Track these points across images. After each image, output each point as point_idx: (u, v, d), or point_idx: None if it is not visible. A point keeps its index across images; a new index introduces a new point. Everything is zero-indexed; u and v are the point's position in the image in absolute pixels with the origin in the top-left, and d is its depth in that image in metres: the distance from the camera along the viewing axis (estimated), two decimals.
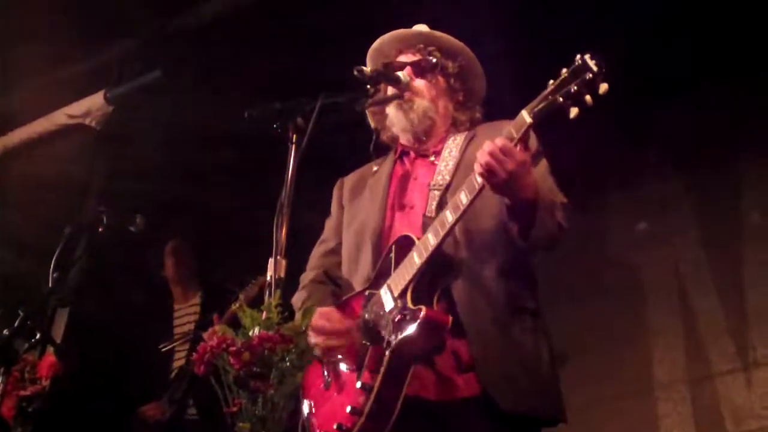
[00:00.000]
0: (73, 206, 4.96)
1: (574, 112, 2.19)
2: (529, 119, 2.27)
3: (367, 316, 2.53)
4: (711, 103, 4.39)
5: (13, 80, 5.14)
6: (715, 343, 4.24)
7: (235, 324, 2.16)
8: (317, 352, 2.51)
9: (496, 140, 2.29)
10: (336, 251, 2.88)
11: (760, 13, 3.99)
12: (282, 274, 2.26)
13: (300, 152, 2.43)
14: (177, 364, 4.87)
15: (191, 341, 4.80)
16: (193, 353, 4.85)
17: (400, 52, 2.86)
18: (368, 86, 2.64)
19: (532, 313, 2.56)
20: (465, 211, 2.37)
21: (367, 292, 2.59)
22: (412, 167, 2.81)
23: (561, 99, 2.21)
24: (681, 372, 4.30)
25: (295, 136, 2.45)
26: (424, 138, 2.79)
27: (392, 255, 2.55)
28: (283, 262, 2.28)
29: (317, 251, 2.97)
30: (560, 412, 2.52)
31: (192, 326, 4.96)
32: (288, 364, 2.08)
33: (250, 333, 2.10)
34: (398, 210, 2.72)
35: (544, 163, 2.65)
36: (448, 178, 2.61)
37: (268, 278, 2.27)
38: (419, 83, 2.78)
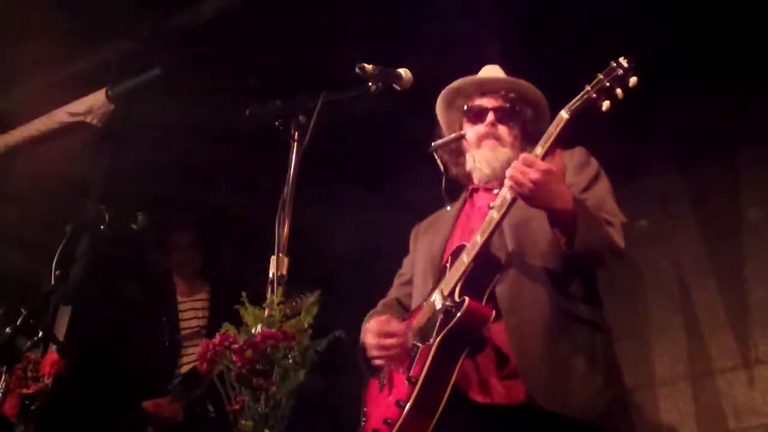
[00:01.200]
0: (75, 204, 4.96)
1: (606, 105, 2.38)
2: (566, 116, 2.43)
3: (420, 319, 2.64)
4: (712, 99, 4.38)
5: (15, 78, 5.13)
6: (716, 339, 4.24)
7: None
8: (371, 352, 2.66)
9: (521, 155, 2.43)
10: (410, 282, 3.02)
11: (761, 8, 3.98)
12: (284, 272, 2.27)
13: (302, 149, 2.44)
14: (186, 360, 4.85)
15: (205, 338, 4.76)
16: None
17: (482, 95, 2.91)
18: (370, 84, 2.64)
19: (591, 323, 2.57)
20: (509, 208, 2.45)
21: (423, 303, 2.70)
22: (479, 200, 2.90)
23: (594, 95, 2.40)
24: (682, 368, 4.30)
25: (296, 133, 2.46)
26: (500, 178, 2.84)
27: (448, 265, 2.65)
28: (285, 260, 2.28)
29: (395, 282, 3.14)
30: (624, 425, 2.54)
31: (201, 321, 4.94)
32: (290, 361, 2.09)
33: (253, 330, 2.10)
34: (460, 236, 2.80)
35: (603, 183, 2.76)
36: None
37: (270, 275, 2.27)
38: (502, 129, 2.85)
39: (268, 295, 2.20)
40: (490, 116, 2.84)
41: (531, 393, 2.39)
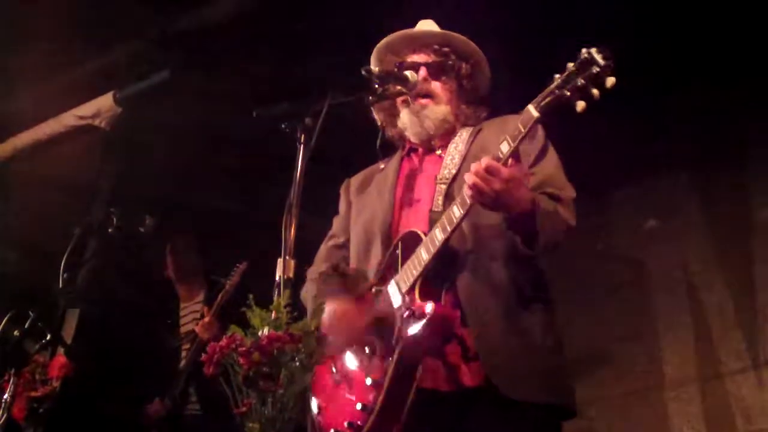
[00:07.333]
0: (83, 207, 4.98)
1: (581, 105, 2.18)
2: (536, 113, 2.27)
3: (375, 313, 2.54)
4: (722, 100, 4.37)
5: (23, 82, 5.15)
6: (725, 341, 4.23)
7: (225, 314, 2.17)
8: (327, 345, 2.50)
9: (481, 160, 2.30)
10: (344, 246, 2.91)
11: None
12: (291, 274, 2.27)
13: (308, 152, 2.44)
14: (183, 363, 4.89)
15: (192, 340, 4.83)
16: (191, 351, 4.92)
17: (413, 51, 2.84)
18: (376, 86, 2.64)
19: (542, 303, 2.56)
20: (472, 206, 2.37)
21: (374, 289, 2.61)
22: (419, 163, 2.82)
23: (568, 93, 2.20)
24: (691, 370, 4.29)
25: (303, 135, 2.46)
26: (436, 137, 2.79)
27: (398, 251, 2.56)
28: (292, 262, 2.28)
29: (325, 246, 2.99)
30: (569, 404, 2.50)
31: (195, 325, 4.96)
32: (297, 363, 2.08)
33: (259, 333, 2.10)
34: (406, 205, 2.73)
35: (552, 157, 2.65)
36: (454, 171, 2.62)
37: (277, 278, 2.27)
38: (435, 85, 2.78)
39: (275, 298, 2.20)
40: (422, 72, 2.76)
41: (491, 378, 2.37)
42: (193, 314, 5.03)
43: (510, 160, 2.32)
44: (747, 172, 4.47)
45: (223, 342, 2.09)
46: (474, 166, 2.30)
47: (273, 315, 2.13)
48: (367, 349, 2.50)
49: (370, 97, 2.74)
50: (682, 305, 4.43)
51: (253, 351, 2.05)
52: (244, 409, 2.05)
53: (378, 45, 2.92)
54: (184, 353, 4.90)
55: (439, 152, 2.76)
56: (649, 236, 4.70)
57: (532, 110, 2.28)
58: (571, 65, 2.21)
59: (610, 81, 2.15)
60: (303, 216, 2.33)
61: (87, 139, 5.19)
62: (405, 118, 2.80)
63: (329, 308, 2.58)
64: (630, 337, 4.48)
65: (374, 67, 2.74)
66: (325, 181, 3.02)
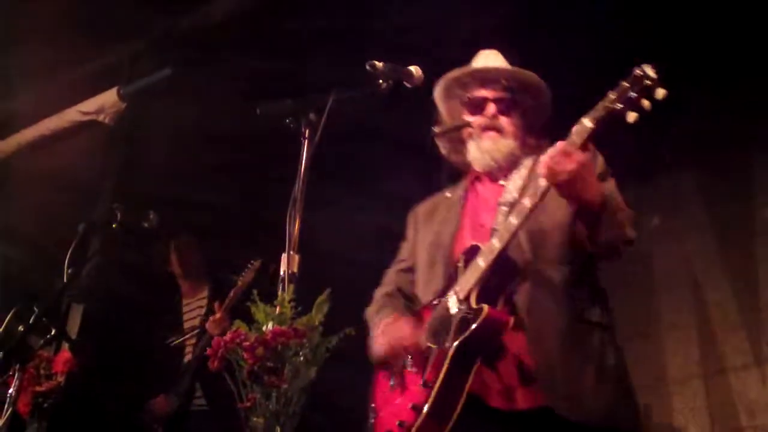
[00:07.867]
0: (86, 202, 4.98)
1: (632, 116, 2.31)
2: (590, 125, 2.36)
3: (433, 320, 2.60)
4: (727, 100, 4.37)
5: (28, 79, 5.16)
6: (728, 337, 4.23)
7: (236, 310, 2.18)
8: (383, 357, 2.66)
9: (556, 144, 2.38)
10: (410, 270, 2.95)
11: None
12: (295, 269, 2.27)
13: (312, 147, 2.45)
14: (188, 358, 4.90)
15: (198, 335, 4.83)
16: (199, 347, 4.91)
17: (481, 85, 2.86)
18: (380, 81, 2.63)
19: (600, 325, 2.56)
20: (528, 216, 2.42)
21: (435, 301, 2.66)
22: (484, 191, 2.86)
23: (620, 105, 2.32)
24: (695, 366, 4.30)
25: (307, 131, 2.47)
26: (503, 168, 2.82)
27: (460, 264, 2.61)
28: (296, 257, 2.29)
29: (392, 270, 3.04)
30: (631, 425, 2.50)
31: (199, 320, 4.96)
32: (301, 358, 2.09)
33: (264, 328, 2.11)
34: (470, 231, 2.77)
35: (612, 182, 2.69)
36: (516, 195, 2.66)
37: (282, 273, 2.27)
38: (504, 120, 2.81)
39: (279, 293, 2.21)
40: (491, 108, 2.80)
41: (548, 399, 2.38)
42: (197, 310, 5.03)
43: (580, 149, 2.37)
44: (750, 172, 4.46)
45: (228, 337, 2.10)
46: (549, 150, 2.37)
47: (277, 310, 2.14)
48: (423, 355, 2.54)
49: (437, 130, 2.84)
50: (686, 302, 4.44)
51: (257, 346, 2.06)
52: (248, 403, 2.06)
53: (446, 76, 2.91)
54: (188, 349, 4.91)
55: (502, 182, 2.78)
56: (653, 235, 4.70)
57: (586, 122, 2.38)
58: (623, 82, 2.33)
59: (661, 92, 2.29)
60: (307, 211, 2.34)
61: (90, 135, 5.20)
62: (473, 149, 2.83)
63: (388, 318, 2.72)
64: (634, 334, 4.47)
65: (378, 63, 2.74)
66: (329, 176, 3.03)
